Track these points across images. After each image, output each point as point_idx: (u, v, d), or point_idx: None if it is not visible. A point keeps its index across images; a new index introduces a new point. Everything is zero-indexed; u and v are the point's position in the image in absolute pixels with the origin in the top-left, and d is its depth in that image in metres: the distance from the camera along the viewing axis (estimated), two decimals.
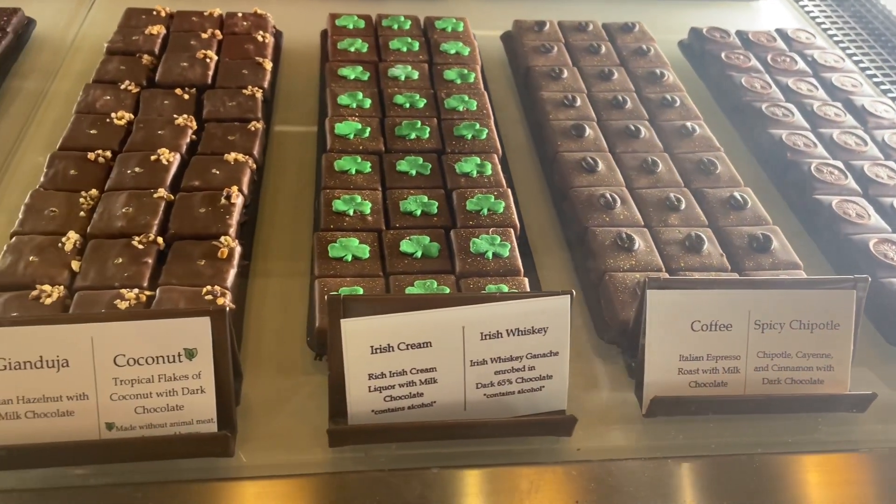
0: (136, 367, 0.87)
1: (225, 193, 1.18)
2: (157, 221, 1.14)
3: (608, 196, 1.25)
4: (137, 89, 1.42)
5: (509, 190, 1.27)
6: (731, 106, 1.61)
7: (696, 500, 0.92)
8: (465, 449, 0.96)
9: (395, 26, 1.68)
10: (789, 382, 1.00)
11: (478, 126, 1.40)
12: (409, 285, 1.08)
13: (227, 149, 1.29)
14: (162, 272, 1.07)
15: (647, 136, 1.42)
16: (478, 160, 1.32)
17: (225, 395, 0.90)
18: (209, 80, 1.47)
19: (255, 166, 1.29)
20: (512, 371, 0.95)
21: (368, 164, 1.29)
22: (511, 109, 1.62)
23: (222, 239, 1.11)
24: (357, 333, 0.90)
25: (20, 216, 1.14)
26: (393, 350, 0.91)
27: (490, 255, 1.13)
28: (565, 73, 1.57)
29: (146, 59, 1.50)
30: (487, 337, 0.93)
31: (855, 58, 1.88)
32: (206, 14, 1.65)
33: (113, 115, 1.34)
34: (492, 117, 1.45)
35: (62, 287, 1.03)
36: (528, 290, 1.11)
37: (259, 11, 1.69)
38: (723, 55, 1.69)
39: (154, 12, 1.64)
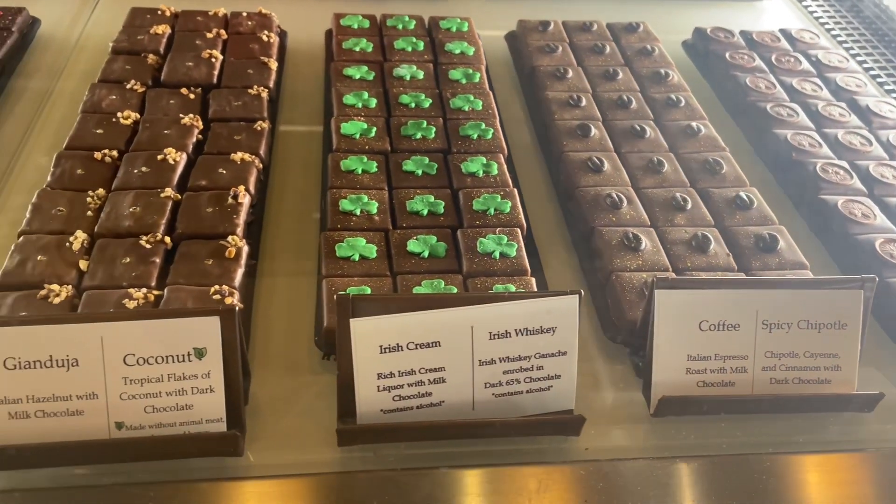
0: (146, 366, 0.87)
1: (232, 193, 1.19)
2: (164, 221, 1.14)
3: (614, 196, 1.26)
4: (143, 89, 1.42)
5: (515, 190, 1.28)
6: (735, 106, 1.62)
7: (704, 500, 0.92)
8: (474, 448, 0.96)
9: (400, 26, 1.68)
10: (797, 382, 1.00)
11: (483, 126, 1.40)
12: (416, 285, 1.09)
13: (233, 148, 1.29)
14: (169, 272, 1.07)
15: (652, 136, 1.42)
16: (484, 160, 1.32)
17: (234, 394, 0.90)
18: (215, 80, 1.47)
19: (261, 166, 1.29)
20: (520, 371, 0.95)
21: (374, 164, 1.29)
22: (515, 109, 1.62)
23: (230, 238, 1.11)
24: (366, 333, 0.90)
25: (27, 215, 1.14)
26: (402, 349, 0.91)
27: (497, 254, 1.14)
28: (570, 73, 1.57)
29: (151, 58, 1.50)
30: (496, 337, 0.93)
31: (858, 58, 1.88)
32: (210, 14, 1.65)
33: (119, 114, 1.34)
34: (497, 117, 1.45)
35: (70, 286, 1.03)
36: (536, 289, 1.11)
37: (264, 11, 1.69)
38: (727, 55, 1.69)
39: (159, 12, 1.64)
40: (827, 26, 2.03)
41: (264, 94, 1.44)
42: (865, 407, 1.02)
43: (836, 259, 1.28)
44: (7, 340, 0.85)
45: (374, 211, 1.20)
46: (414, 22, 1.69)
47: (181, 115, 1.35)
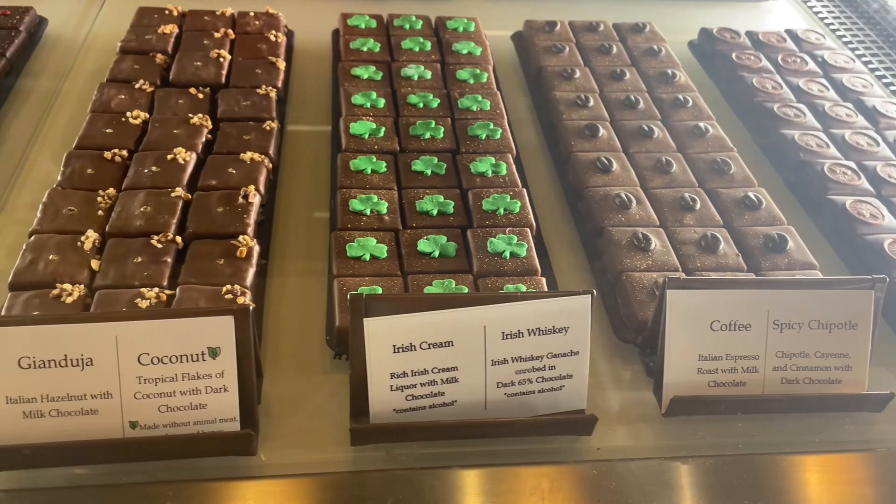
0: (160, 365, 0.88)
1: (242, 193, 1.19)
2: (175, 220, 1.14)
3: (623, 196, 1.26)
4: (152, 88, 1.43)
5: (524, 190, 1.28)
6: (742, 106, 1.62)
7: (716, 500, 0.92)
8: (486, 448, 0.96)
9: (407, 26, 1.68)
10: (807, 382, 1.01)
11: (492, 126, 1.40)
12: (427, 285, 1.09)
13: (242, 148, 1.29)
14: (181, 271, 1.08)
15: (660, 137, 1.43)
16: (493, 160, 1.32)
17: (247, 393, 0.91)
18: (223, 80, 1.47)
19: (270, 166, 1.29)
20: (532, 370, 0.95)
21: (384, 164, 1.29)
22: (522, 109, 1.63)
23: (241, 238, 1.11)
24: (379, 333, 0.90)
25: (38, 215, 1.14)
26: (415, 349, 0.92)
27: (507, 254, 1.14)
28: (577, 73, 1.57)
29: (160, 58, 1.50)
30: (509, 336, 0.93)
31: (864, 59, 1.88)
32: (218, 13, 1.66)
33: (128, 114, 1.34)
34: (505, 117, 1.45)
35: (83, 286, 1.03)
36: (546, 289, 1.11)
37: (271, 11, 1.69)
38: (733, 56, 1.69)
39: (166, 11, 1.65)
40: (832, 27, 2.03)
41: (273, 94, 1.44)
42: (876, 407, 1.02)
43: (845, 259, 1.28)
44: (22, 340, 0.85)
45: (384, 211, 1.20)
46: (421, 22, 1.70)
47: (190, 115, 1.35)
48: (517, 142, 1.43)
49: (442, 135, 1.37)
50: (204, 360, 0.88)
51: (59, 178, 1.22)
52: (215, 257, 1.09)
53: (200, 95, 1.41)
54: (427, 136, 1.37)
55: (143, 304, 1.01)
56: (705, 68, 1.78)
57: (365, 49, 1.58)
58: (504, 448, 0.96)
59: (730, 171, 1.35)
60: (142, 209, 1.15)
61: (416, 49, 1.60)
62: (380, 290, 1.07)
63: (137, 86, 1.42)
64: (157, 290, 1.03)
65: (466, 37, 1.67)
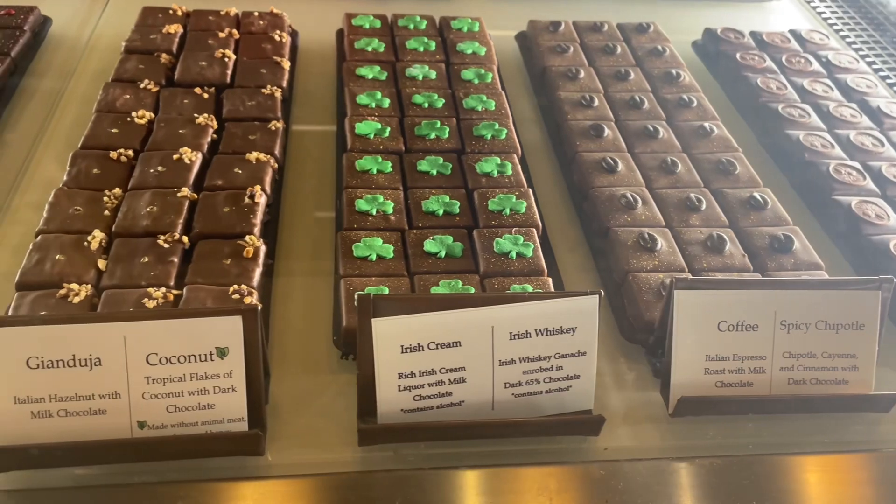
0: (168, 365, 0.88)
1: (248, 193, 1.19)
2: (181, 220, 1.14)
3: (629, 196, 1.26)
4: (157, 88, 1.43)
5: (530, 190, 1.28)
6: (746, 106, 1.62)
7: (723, 500, 0.92)
8: (493, 448, 0.96)
9: (411, 26, 1.68)
10: (814, 383, 1.01)
11: (497, 126, 1.40)
12: (433, 285, 1.09)
13: (248, 148, 1.29)
14: (188, 271, 1.08)
15: (665, 137, 1.43)
16: (498, 160, 1.32)
17: (255, 393, 0.91)
18: (228, 80, 1.47)
19: (276, 166, 1.29)
20: (540, 371, 0.95)
21: (389, 164, 1.29)
22: (527, 109, 1.63)
23: (247, 238, 1.11)
24: (388, 333, 0.90)
25: (45, 215, 1.14)
26: (423, 349, 0.92)
27: (514, 254, 1.14)
28: (582, 74, 1.57)
29: (164, 57, 1.50)
30: (516, 337, 0.93)
31: (867, 59, 1.88)
32: (222, 13, 1.65)
33: (133, 113, 1.34)
34: (510, 117, 1.45)
35: (89, 286, 1.03)
36: (552, 290, 1.11)
37: (275, 11, 1.69)
38: (738, 56, 1.69)
39: (170, 11, 1.64)
40: (835, 27, 2.03)
41: (278, 94, 1.44)
42: (883, 407, 1.02)
43: (850, 260, 1.28)
44: (30, 340, 0.85)
45: (390, 211, 1.20)
46: (425, 22, 1.69)
47: (195, 115, 1.35)
48: (521, 142, 1.43)
49: (447, 135, 1.38)
50: (212, 360, 0.88)
51: (64, 177, 1.22)
52: (222, 257, 1.09)
53: (205, 95, 1.41)
54: (432, 136, 1.37)
55: (150, 304, 1.01)
56: (709, 68, 1.78)
57: (369, 49, 1.58)
58: (511, 448, 0.96)
59: (735, 171, 1.35)
60: (148, 209, 1.15)
61: (421, 49, 1.60)
62: (386, 291, 1.07)
63: (142, 85, 1.42)
64: (164, 290, 1.03)
65: (471, 37, 1.67)
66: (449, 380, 0.93)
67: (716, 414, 1.01)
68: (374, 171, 1.28)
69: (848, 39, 1.98)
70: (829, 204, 1.33)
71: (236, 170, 1.24)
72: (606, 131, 1.41)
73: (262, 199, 1.19)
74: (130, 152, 1.26)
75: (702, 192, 1.29)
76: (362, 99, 1.44)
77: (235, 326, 0.88)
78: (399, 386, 0.92)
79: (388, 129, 1.37)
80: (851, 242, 1.28)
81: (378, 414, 0.93)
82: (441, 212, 1.21)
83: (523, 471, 0.94)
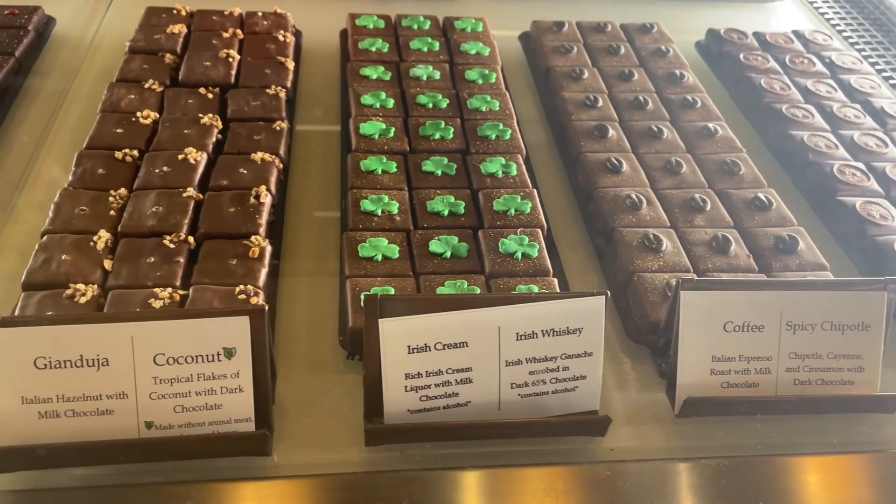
0: (176, 366, 0.88)
1: (254, 193, 1.19)
2: (186, 220, 1.14)
3: (634, 197, 1.26)
4: (161, 88, 1.43)
5: (535, 190, 1.28)
6: (750, 107, 1.62)
7: (730, 501, 0.92)
8: (500, 448, 0.96)
9: (415, 26, 1.68)
10: (820, 383, 1.01)
11: (501, 126, 1.40)
12: (439, 285, 1.09)
13: (253, 148, 1.29)
14: (194, 271, 1.08)
15: (669, 137, 1.43)
16: (503, 160, 1.32)
17: (262, 394, 0.91)
18: (232, 80, 1.47)
19: (281, 166, 1.29)
20: (546, 371, 0.95)
21: (394, 164, 1.29)
22: (530, 109, 1.63)
23: (253, 238, 1.11)
24: (395, 333, 0.90)
25: (50, 215, 1.14)
26: (430, 350, 0.92)
27: (519, 255, 1.14)
28: (586, 74, 1.57)
29: (169, 58, 1.50)
30: (523, 337, 0.93)
31: (870, 60, 1.88)
32: (226, 13, 1.66)
33: (138, 113, 1.34)
34: (514, 118, 1.45)
35: (96, 286, 1.03)
36: (558, 290, 1.11)
37: (279, 11, 1.69)
38: (741, 56, 1.70)
39: (174, 11, 1.65)
40: (838, 27, 2.04)
41: (282, 94, 1.44)
42: (888, 408, 1.02)
43: (855, 260, 1.28)
44: (38, 340, 0.85)
45: (395, 211, 1.20)
46: (429, 22, 1.70)
47: (200, 115, 1.35)
48: (525, 142, 1.43)
49: (452, 135, 1.38)
50: (219, 360, 0.88)
51: (70, 177, 1.22)
52: (228, 257, 1.09)
53: (210, 95, 1.41)
54: (437, 136, 1.37)
55: (157, 304, 1.01)
56: (712, 69, 1.78)
57: (373, 49, 1.59)
58: (518, 449, 0.96)
59: (739, 171, 1.35)
60: (153, 209, 1.15)
61: (425, 49, 1.60)
62: (392, 291, 1.07)
63: (147, 86, 1.42)
64: (170, 290, 1.03)
65: (474, 37, 1.67)
66: (455, 380, 0.93)
67: (722, 415, 1.01)
68: (379, 172, 1.28)
69: (851, 40, 1.98)
70: (834, 205, 1.33)
71: (241, 170, 1.25)
72: (611, 132, 1.41)
73: (267, 200, 1.19)
74: (135, 152, 1.26)
75: (706, 193, 1.29)
76: (367, 99, 1.44)
77: (243, 327, 0.88)
78: (406, 386, 0.92)
79: (393, 129, 1.37)
80: (856, 243, 1.28)
81: (385, 414, 0.93)
82: (446, 212, 1.22)
83: (529, 471, 0.94)
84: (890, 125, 1.52)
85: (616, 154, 1.36)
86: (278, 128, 1.35)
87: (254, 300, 1.03)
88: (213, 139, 1.32)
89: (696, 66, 1.72)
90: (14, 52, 1.52)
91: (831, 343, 1.00)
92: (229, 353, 0.88)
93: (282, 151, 1.31)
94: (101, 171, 1.23)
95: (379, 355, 0.91)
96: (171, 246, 1.10)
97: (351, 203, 1.22)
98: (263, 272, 1.08)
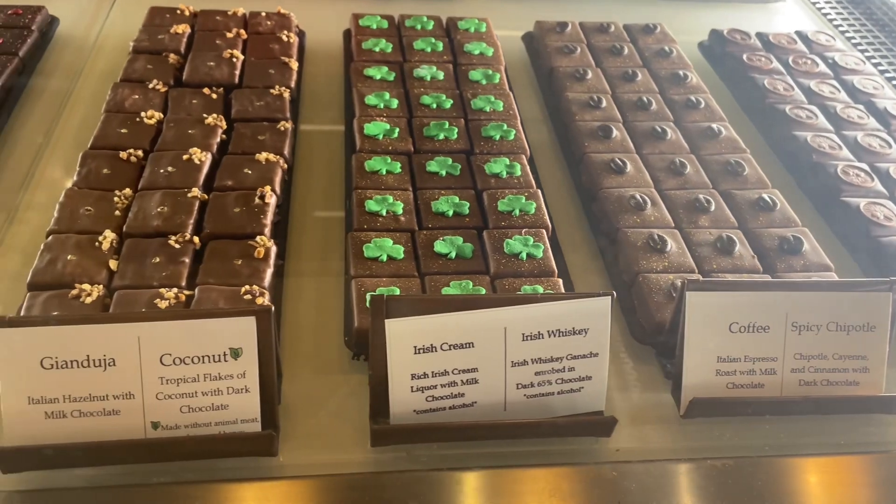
0: (182, 366, 0.88)
1: (259, 193, 1.19)
2: (191, 221, 1.15)
3: (638, 197, 1.26)
4: (165, 88, 1.43)
5: (539, 191, 1.28)
6: (753, 108, 1.62)
7: (736, 501, 0.92)
8: (505, 449, 0.96)
9: (419, 26, 1.68)
10: (825, 384, 1.01)
11: (505, 127, 1.40)
12: (444, 286, 1.09)
13: (257, 148, 1.29)
14: (199, 272, 1.08)
15: (673, 138, 1.43)
16: (507, 161, 1.32)
17: (268, 394, 0.91)
18: (236, 80, 1.47)
19: (286, 166, 1.29)
20: (552, 372, 0.95)
21: (398, 165, 1.29)
22: (534, 110, 1.63)
23: (258, 239, 1.11)
24: (401, 334, 0.90)
25: (55, 215, 1.14)
26: (436, 350, 0.92)
27: (524, 255, 1.14)
28: (589, 74, 1.57)
29: (172, 58, 1.50)
30: (529, 338, 0.93)
31: (873, 60, 1.88)
32: (229, 13, 1.66)
33: (143, 114, 1.34)
34: (518, 118, 1.45)
35: (101, 286, 1.03)
36: (563, 291, 1.11)
37: (282, 11, 1.69)
38: (744, 57, 1.70)
39: (178, 11, 1.65)
40: (840, 28, 2.04)
41: (286, 95, 1.44)
42: (893, 409, 1.02)
43: (859, 261, 1.28)
44: (44, 340, 0.85)
45: (400, 211, 1.20)
46: (432, 22, 1.70)
47: (204, 115, 1.35)
48: (529, 142, 1.43)
49: (456, 136, 1.38)
50: (226, 360, 0.88)
51: (74, 177, 1.22)
52: (233, 258, 1.09)
53: (214, 95, 1.41)
54: (441, 136, 1.37)
55: (162, 304, 1.01)
56: (715, 69, 1.78)
57: (377, 49, 1.59)
58: (523, 449, 0.96)
59: (743, 172, 1.35)
60: (158, 209, 1.15)
61: (429, 49, 1.60)
62: (397, 291, 1.07)
63: (151, 86, 1.42)
64: (175, 290, 1.03)
65: (478, 37, 1.67)
66: (462, 381, 0.93)
67: (727, 415, 1.01)
68: (384, 172, 1.28)
69: (853, 41, 1.98)
70: (838, 205, 1.33)
71: (246, 170, 1.25)
72: (615, 132, 1.41)
73: (272, 200, 1.20)
74: (140, 152, 1.27)
75: (710, 194, 1.29)
76: (371, 100, 1.44)
77: (249, 327, 0.88)
78: (412, 387, 0.92)
79: (397, 129, 1.37)
80: (860, 244, 1.28)
81: (391, 415, 0.93)
82: (451, 212, 1.22)
83: (535, 472, 0.94)
84: (893, 126, 1.52)
85: (620, 154, 1.36)
86: (282, 128, 1.35)
87: (259, 300, 1.03)
88: (218, 139, 1.32)
89: (698, 67, 1.72)
90: (18, 52, 1.52)
91: (837, 344, 1.00)
92: (236, 353, 0.88)
93: (286, 152, 1.31)
94: (105, 171, 1.23)
95: (385, 356, 0.91)
96: (177, 246, 1.10)
97: (355, 203, 1.22)
98: (269, 272, 1.09)
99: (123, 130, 1.31)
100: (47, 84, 1.56)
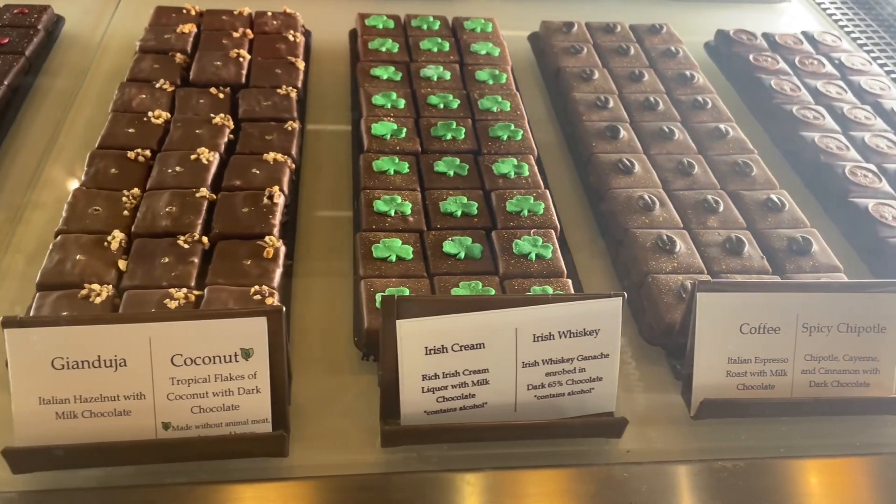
0: (193, 366, 0.88)
1: (267, 193, 1.19)
2: (200, 221, 1.14)
3: (647, 198, 1.26)
4: (172, 88, 1.42)
5: (547, 191, 1.28)
6: (760, 108, 1.62)
7: (747, 503, 0.92)
8: (516, 450, 0.96)
9: (425, 26, 1.68)
10: (836, 385, 1.01)
11: (513, 127, 1.40)
12: (453, 286, 1.09)
13: (265, 148, 1.29)
14: (208, 272, 1.07)
15: (680, 138, 1.43)
16: (515, 161, 1.32)
17: (279, 395, 0.91)
18: (243, 80, 1.47)
19: (293, 166, 1.29)
20: (563, 373, 0.95)
21: (406, 165, 1.29)
22: (540, 110, 1.62)
23: (267, 239, 1.11)
24: (412, 334, 0.90)
25: (64, 214, 1.14)
26: (447, 351, 0.92)
27: (533, 256, 1.14)
28: (596, 75, 1.57)
29: (179, 57, 1.50)
30: (539, 339, 0.93)
31: (879, 61, 1.88)
32: (235, 13, 1.65)
33: (150, 113, 1.34)
34: (525, 118, 1.45)
35: (111, 286, 1.03)
36: (572, 291, 1.11)
37: (288, 10, 1.69)
38: (750, 57, 1.69)
39: (184, 10, 1.64)
40: (846, 29, 2.03)
41: (293, 94, 1.44)
42: None
43: (867, 262, 1.28)
44: (55, 340, 0.85)
45: (409, 212, 1.20)
46: (438, 22, 1.69)
47: (212, 115, 1.35)
48: (536, 143, 1.43)
49: (463, 136, 1.37)
50: (237, 361, 0.88)
51: (83, 177, 1.22)
52: (242, 258, 1.09)
53: (221, 95, 1.41)
54: (448, 136, 1.37)
55: (172, 304, 1.01)
56: (721, 70, 1.78)
57: (383, 49, 1.58)
58: (534, 450, 0.96)
59: (751, 173, 1.35)
60: (167, 209, 1.15)
61: (435, 49, 1.60)
62: (407, 292, 1.07)
63: (158, 85, 1.42)
64: (185, 290, 1.03)
65: (484, 37, 1.67)
66: (472, 381, 0.93)
67: (738, 416, 1.01)
68: (391, 172, 1.28)
69: (859, 41, 1.98)
70: (846, 206, 1.33)
71: (254, 170, 1.24)
72: (622, 132, 1.41)
73: (280, 200, 1.19)
74: (148, 152, 1.26)
75: (718, 194, 1.29)
76: (378, 99, 1.44)
77: (260, 327, 0.88)
78: (422, 388, 0.92)
79: (404, 129, 1.37)
80: (868, 245, 1.28)
81: (401, 415, 0.93)
82: (459, 213, 1.21)
83: (546, 473, 0.94)
84: None
85: (628, 155, 1.36)
86: (290, 128, 1.35)
87: (269, 301, 1.03)
88: (225, 139, 1.31)
89: (705, 67, 1.71)
90: (24, 51, 1.51)
91: (847, 345, 1.00)
92: (247, 353, 0.88)
93: (294, 152, 1.31)
94: (113, 170, 1.22)
95: (396, 356, 0.91)
96: (186, 246, 1.10)
97: (364, 203, 1.21)
98: (278, 272, 1.08)
99: (131, 130, 1.31)
100: (53, 83, 1.56)
